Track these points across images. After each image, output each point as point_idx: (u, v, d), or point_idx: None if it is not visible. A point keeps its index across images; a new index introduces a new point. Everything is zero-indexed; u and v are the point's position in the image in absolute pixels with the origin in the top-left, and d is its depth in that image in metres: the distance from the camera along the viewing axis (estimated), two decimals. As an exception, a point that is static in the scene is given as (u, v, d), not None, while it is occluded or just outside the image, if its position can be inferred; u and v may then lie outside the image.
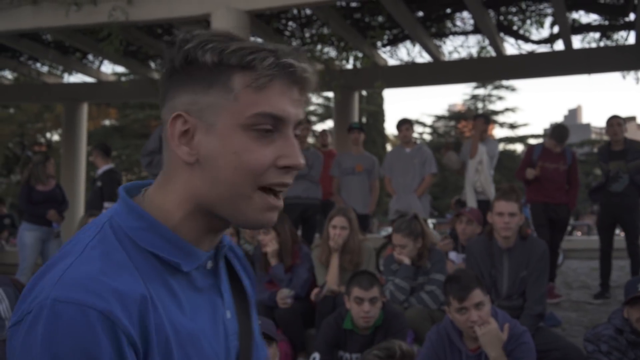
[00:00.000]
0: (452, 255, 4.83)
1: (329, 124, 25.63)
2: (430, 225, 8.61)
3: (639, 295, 2.87)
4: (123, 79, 11.76)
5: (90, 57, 10.21)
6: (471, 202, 6.51)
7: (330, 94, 20.86)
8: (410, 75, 9.59)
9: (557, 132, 6.41)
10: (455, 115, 30.60)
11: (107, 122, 25.00)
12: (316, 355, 3.48)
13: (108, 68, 10.71)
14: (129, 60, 9.54)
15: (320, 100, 28.47)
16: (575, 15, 8.49)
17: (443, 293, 3.20)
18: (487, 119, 7.22)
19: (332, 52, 9.07)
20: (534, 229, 6.24)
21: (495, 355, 2.86)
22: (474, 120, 7.15)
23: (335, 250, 4.41)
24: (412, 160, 6.51)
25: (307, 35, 8.87)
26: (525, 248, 3.94)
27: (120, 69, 10.99)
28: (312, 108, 29.21)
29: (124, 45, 7.46)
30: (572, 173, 6.26)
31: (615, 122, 6.18)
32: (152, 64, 10.23)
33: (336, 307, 4.00)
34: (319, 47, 8.74)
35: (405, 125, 6.66)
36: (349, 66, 9.45)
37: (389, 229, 6.83)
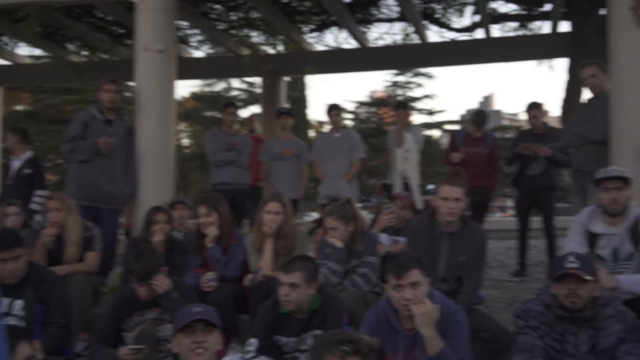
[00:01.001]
0: (383, 237, 4.93)
1: (253, 109, 25.45)
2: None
3: (565, 272, 3.03)
4: (41, 61, 11.26)
5: (5, 38, 9.70)
6: (398, 188, 6.65)
7: (254, 79, 20.66)
8: (337, 61, 9.66)
9: (477, 117, 6.70)
10: (376, 102, 31.08)
11: (19, 107, 23.80)
12: (253, 340, 3.48)
13: (24, 50, 10.18)
14: (47, 43, 9.13)
15: (244, 86, 28.24)
16: (494, 4, 8.80)
17: (380, 271, 3.25)
18: (406, 106, 7.38)
19: (259, 37, 9.00)
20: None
21: (429, 334, 2.95)
22: (395, 111, 7.28)
23: (270, 235, 4.42)
24: (341, 146, 6.58)
25: (234, 18, 8.75)
26: (466, 233, 3.98)
27: (37, 51, 10.51)
28: (236, 93, 28.96)
29: (42, 27, 7.12)
30: (492, 156, 6.55)
31: (536, 110, 6.53)
32: (71, 47, 9.82)
33: (271, 293, 4.00)
34: (246, 31, 8.66)
35: (334, 110, 6.73)
36: (276, 51, 9.41)
37: (315, 214, 6.90)
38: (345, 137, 6.70)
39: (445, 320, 3.05)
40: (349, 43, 9.47)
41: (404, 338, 3.09)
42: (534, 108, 6.53)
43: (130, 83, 6.17)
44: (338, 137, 6.67)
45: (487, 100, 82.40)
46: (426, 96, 30.42)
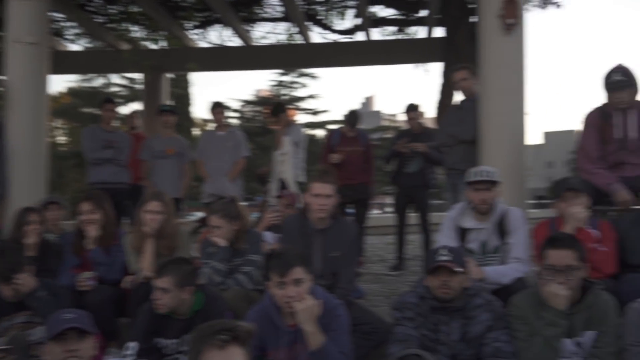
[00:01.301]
0: (268, 236, 4.96)
1: (134, 106, 24.61)
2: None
3: (437, 265, 3.20)
4: None
5: None
6: (276, 190, 6.68)
7: (135, 75, 19.96)
8: (220, 59, 9.57)
9: (350, 117, 6.91)
10: (261, 101, 31.09)
11: None
12: (133, 344, 3.38)
13: None
14: None
15: (124, 82, 27.24)
16: (374, 8, 9.06)
17: (264, 269, 3.27)
18: (281, 107, 7.45)
19: (140, 32, 8.74)
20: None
21: (310, 330, 3.01)
22: (273, 115, 7.34)
23: (150, 235, 4.32)
24: (225, 144, 6.54)
25: (113, 12, 8.43)
26: (338, 229, 4.07)
27: None
28: (116, 89, 27.87)
29: None
30: (368, 154, 6.78)
31: (414, 111, 6.83)
32: None
33: (151, 295, 3.91)
34: (125, 25, 8.37)
35: (218, 108, 6.67)
36: (158, 46, 9.18)
37: (199, 213, 6.81)
38: (229, 135, 6.66)
39: (326, 315, 3.12)
40: (233, 41, 9.41)
41: (286, 334, 3.13)
42: (412, 110, 6.83)
43: (1, 77, 5.81)
44: (222, 135, 6.62)
45: (368, 101, 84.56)
46: (310, 96, 30.84)
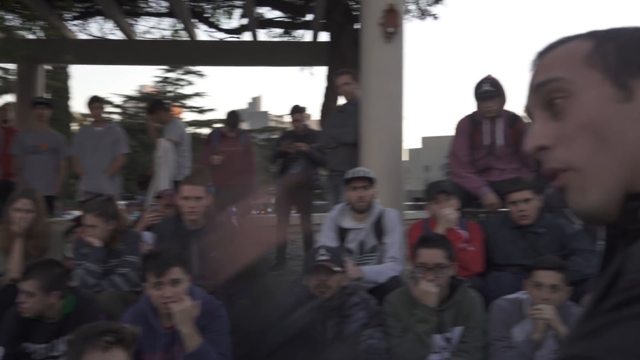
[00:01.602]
0: (147, 236, 4.83)
1: (7, 98, 23.06)
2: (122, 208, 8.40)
3: (316, 265, 3.26)
4: None
5: None
6: (152, 192, 6.52)
7: (10, 66, 18.74)
8: (101, 52, 9.19)
9: (229, 118, 6.89)
10: (145, 97, 30.14)
11: None
12: (-1, 349, 3.19)
13: None
14: None
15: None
16: (261, 10, 9.07)
17: (141, 270, 3.19)
18: (158, 104, 7.29)
19: (15, 21, 8.21)
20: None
21: (187, 332, 2.97)
22: (150, 114, 7.17)
23: (19, 235, 4.08)
24: (103, 140, 6.30)
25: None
26: (214, 229, 4.09)
27: None
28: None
29: None
30: (248, 154, 6.77)
31: (299, 113, 6.90)
32: None
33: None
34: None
35: (96, 103, 6.41)
36: (35, 36, 8.67)
37: (76, 212, 6.50)
38: (107, 131, 6.42)
39: (205, 316, 3.09)
40: (115, 34, 9.07)
41: (162, 337, 3.07)
42: (297, 111, 6.91)
43: None
44: (100, 131, 6.37)
45: (255, 101, 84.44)
46: (196, 94, 30.31)
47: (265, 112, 70.39)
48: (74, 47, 8.33)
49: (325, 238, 4.19)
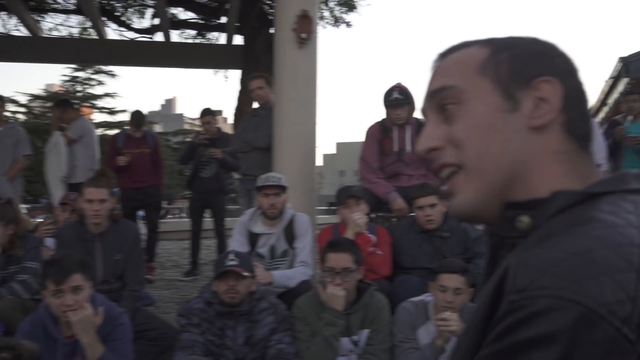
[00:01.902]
0: (49, 242, 4.63)
1: None
2: (24, 211, 8.02)
3: (225, 270, 3.23)
4: None
5: None
6: (57, 192, 6.27)
7: None
8: (4, 49, 8.74)
9: (134, 118, 6.73)
10: (52, 96, 28.89)
11: None
12: None
13: None
14: None
15: None
16: (175, 10, 8.91)
17: (41, 277, 3.06)
18: (65, 102, 7.05)
19: None
20: (123, 213, 6.33)
21: (88, 341, 2.88)
22: (54, 110, 6.94)
23: None
24: (4, 141, 5.99)
25: None
26: (118, 231, 4.00)
27: None
28: None
29: None
30: (156, 155, 6.63)
31: (209, 116, 6.81)
32: None
33: None
34: None
35: (-5, 102, 6.09)
36: None
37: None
38: (8, 131, 6.11)
39: (107, 324, 3.01)
40: (19, 30, 8.64)
41: (62, 346, 2.96)
42: (208, 114, 6.82)
43: None
44: (1, 131, 6.06)
45: (169, 103, 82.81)
46: (107, 94, 29.35)
47: (181, 115, 69.11)
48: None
49: (236, 243, 4.17)
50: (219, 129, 6.89)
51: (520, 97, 0.82)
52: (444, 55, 0.90)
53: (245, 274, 3.24)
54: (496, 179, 0.82)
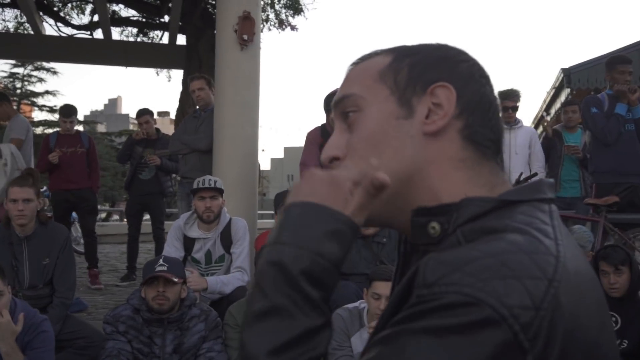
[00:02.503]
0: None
1: None
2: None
3: (154, 275, 3.13)
4: None
5: None
6: None
7: None
8: None
9: (63, 109, 6.48)
10: (-12, 92, 27.87)
11: None
12: None
13: None
14: None
15: None
16: (115, 7, 8.69)
17: None
18: (2, 98, 6.76)
19: None
20: (55, 215, 6.10)
21: (6, 350, 2.74)
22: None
23: None
24: None
25: None
26: (46, 234, 3.85)
27: None
28: None
29: None
30: (91, 156, 6.40)
31: (147, 115, 6.65)
32: None
33: None
34: None
35: None
36: None
37: None
38: None
39: (29, 332, 2.87)
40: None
41: (-22, 355, 2.80)
42: (145, 114, 6.65)
43: None
44: None
45: (113, 103, 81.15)
46: (48, 92, 28.45)
47: (127, 115, 67.77)
48: None
49: (171, 247, 4.07)
50: (157, 130, 6.72)
51: (416, 104, 0.81)
52: (354, 65, 0.89)
53: (175, 279, 3.14)
54: (393, 186, 0.80)
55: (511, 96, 5.76)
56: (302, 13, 9.36)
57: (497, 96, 0.85)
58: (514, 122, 5.75)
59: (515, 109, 5.78)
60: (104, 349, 3.09)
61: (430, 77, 0.81)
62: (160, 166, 6.34)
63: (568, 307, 0.64)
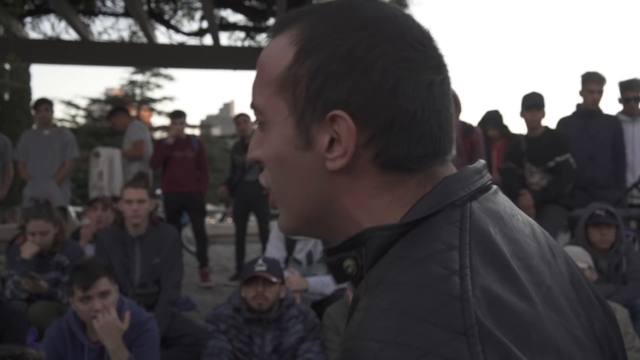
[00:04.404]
0: (88, 249, 4.62)
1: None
2: (73, 214, 8.16)
3: (253, 275, 3.14)
4: None
5: None
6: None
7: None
8: (55, 52, 8.89)
9: (173, 112, 6.71)
10: (112, 100, 29.66)
11: None
12: None
13: None
14: None
15: None
16: (223, 13, 8.91)
17: (68, 283, 3.05)
18: (118, 108, 7.17)
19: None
20: (167, 217, 6.35)
21: (113, 347, 2.83)
22: (112, 116, 7.08)
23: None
24: (52, 144, 6.09)
25: None
26: (157, 235, 4.01)
27: None
28: None
29: None
30: (200, 160, 6.55)
31: (242, 119, 6.77)
32: None
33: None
34: None
35: (44, 105, 6.20)
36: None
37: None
38: (56, 135, 6.20)
39: (135, 330, 2.96)
40: (69, 34, 8.77)
41: (88, 351, 2.92)
42: (240, 117, 6.80)
43: None
44: (47, 134, 6.16)
45: (227, 107, 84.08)
46: (166, 98, 29.87)
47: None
48: (25, 47, 8.04)
49: (273, 248, 4.09)
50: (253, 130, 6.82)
51: (315, 132, 0.67)
52: (268, 38, 0.74)
53: (274, 279, 3.14)
54: (305, 215, 0.72)
55: (633, 86, 5.31)
56: (406, 8, 9.20)
57: (439, 80, 0.68)
58: (637, 114, 5.30)
59: (638, 99, 5.31)
60: (205, 347, 3.13)
61: (329, 98, 0.66)
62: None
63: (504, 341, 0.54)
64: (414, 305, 0.56)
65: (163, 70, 27.56)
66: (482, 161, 0.74)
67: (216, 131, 42.00)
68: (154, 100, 29.13)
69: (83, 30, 8.12)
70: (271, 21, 8.57)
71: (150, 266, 3.96)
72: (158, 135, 25.56)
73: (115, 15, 8.56)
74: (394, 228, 0.64)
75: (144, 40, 8.88)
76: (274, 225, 6.80)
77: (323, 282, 3.84)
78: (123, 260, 3.91)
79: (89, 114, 28.50)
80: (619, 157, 5.07)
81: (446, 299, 0.56)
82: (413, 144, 0.66)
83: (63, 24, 8.50)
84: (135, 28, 8.84)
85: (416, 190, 0.68)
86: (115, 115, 6.85)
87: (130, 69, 27.02)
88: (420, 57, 0.67)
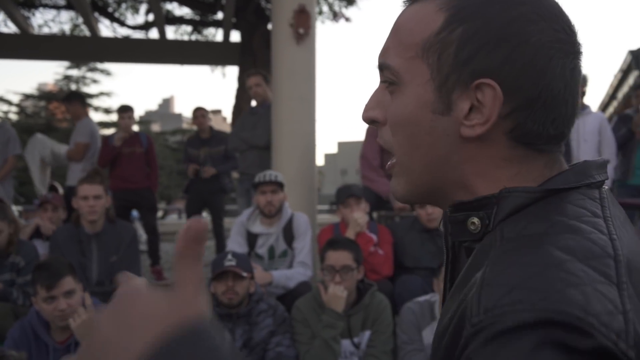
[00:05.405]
0: (39, 245, 4.47)
1: None
2: (15, 213, 7.86)
3: (223, 270, 3.12)
4: None
5: None
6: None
7: None
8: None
9: (121, 106, 6.56)
10: (45, 95, 28.65)
11: None
12: None
13: None
14: None
15: None
16: (169, 6, 8.77)
17: (30, 283, 2.96)
18: (75, 95, 6.91)
19: None
20: (116, 214, 6.21)
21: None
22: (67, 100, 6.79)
23: None
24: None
25: None
26: (114, 232, 3.95)
27: None
28: None
29: None
30: (150, 156, 6.46)
31: (200, 114, 6.68)
32: None
33: None
34: None
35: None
36: None
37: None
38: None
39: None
40: (8, 27, 8.46)
41: (53, 351, 2.85)
42: (199, 112, 6.71)
43: None
44: (-13, 131, 5.92)
45: (167, 102, 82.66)
46: (103, 93, 29.09)
47: (180, 115, 68.96)
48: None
49: (234, 243, 4.07)
50: (211, 127, 6.74)
51: (456, 98, 0.69)
52: (406, 5, 0.76)
53: (244, 274, 3.14)
54: (426, 180, 0.73)
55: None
56: (354, 3, 9.28)
57: (578, 66, 0.71)
58: (582, 108, 5.52)
59: (583, 94, 5.54)
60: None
61: (479, 66, 0.67)
62: (217, 174, 6.38)
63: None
64: (569, 250, 0.57)
65: (100, 65, 26.86)
66: (605, 157, 0.78)
67: (155, 127, 41.20)
68: (90, 96, 28.35)
69: (23, 23, 7.85)
70: (219, 15, 8.50)
71: (107, 264, 3.88)
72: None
73: (57, 7, 8.30)
74: (535, 191, 0.66)
75: (87, 33, 8.64)
76: (228, 222, 6.77)
77: (287, 276, 3.85)
78: (79, 259, 3.82)
79: (21, 110, 27.46)
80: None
81: (600, 252, 0.58)
82: (549, 123, 0.68)
83: (1, 16, 8.18)
84: (78, 21, 8.58)
85: (542, 171, 0.70)
86: (69, 103, 6.51)
87: (65, 64, 26.21)
88: (570, 40, 0.69)
